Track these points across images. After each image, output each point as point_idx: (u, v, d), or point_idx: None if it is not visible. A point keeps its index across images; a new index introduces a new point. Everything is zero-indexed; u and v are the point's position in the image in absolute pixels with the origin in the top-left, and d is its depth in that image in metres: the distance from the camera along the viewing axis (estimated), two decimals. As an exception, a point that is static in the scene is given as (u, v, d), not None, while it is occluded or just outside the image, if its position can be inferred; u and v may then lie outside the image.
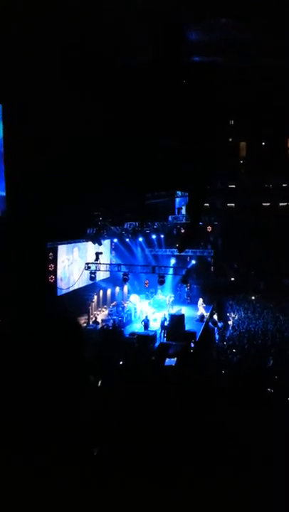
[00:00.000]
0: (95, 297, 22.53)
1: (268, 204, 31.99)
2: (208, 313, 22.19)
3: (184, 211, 27.80)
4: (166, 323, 19.16)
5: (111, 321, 20.11)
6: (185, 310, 22.33)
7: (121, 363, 11.42)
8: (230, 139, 33.24)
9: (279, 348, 15.42)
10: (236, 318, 21.28)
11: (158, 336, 18.57)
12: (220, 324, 20.27)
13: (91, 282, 20.44)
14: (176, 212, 28.09)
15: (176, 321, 19.04)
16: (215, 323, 20.10)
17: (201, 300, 22.95)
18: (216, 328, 19.90)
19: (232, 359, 14.48)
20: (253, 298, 25.39)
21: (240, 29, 13.15)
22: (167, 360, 12.04)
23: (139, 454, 1.77)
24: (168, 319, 19.49)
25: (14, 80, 12.19)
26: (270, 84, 25.86)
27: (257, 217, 29.62)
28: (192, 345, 16.96)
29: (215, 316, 21.38)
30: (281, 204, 31.95)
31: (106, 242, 23.15)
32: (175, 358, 12.29)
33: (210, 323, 20.03)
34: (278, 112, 28.88)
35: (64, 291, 18.93)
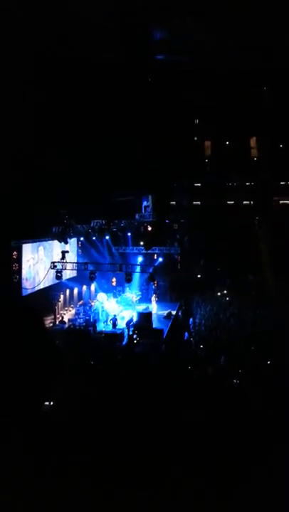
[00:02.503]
0: (62, 297, 22.18)
1: (232, 202, 32.75)
2: (175, 311, 22.45)
3: (150, 209, 27.89)
4: (131, 323, 19.19)
5: (78, 320, 19.88)
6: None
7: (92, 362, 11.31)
8: (196, 138, 33.70)
9: (244, 342, 15.84)
10: (203, 314, 21.63)
11: (125, 334, 18.58)
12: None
13: (57, 281, 20.11)
14: (143, 210, 28.13)
15: (144, 319, 19.10)
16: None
17: (154, 295, 23.38)
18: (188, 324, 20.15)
19: (201, 355, 14.75)
20: (219, 294, 25.89)
21: (204, 30, 13.31)
22: None
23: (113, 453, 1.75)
24: (133, 319, 19.55)
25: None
26: (235, 83, 26.43)
27: (222, 215, 30.23)
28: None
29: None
30: (244, 202, 32.79)
31: (72, 241, 22.85)
32: None
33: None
34: (242, 112, 29.57)
35: (29, 291, 18.52)
